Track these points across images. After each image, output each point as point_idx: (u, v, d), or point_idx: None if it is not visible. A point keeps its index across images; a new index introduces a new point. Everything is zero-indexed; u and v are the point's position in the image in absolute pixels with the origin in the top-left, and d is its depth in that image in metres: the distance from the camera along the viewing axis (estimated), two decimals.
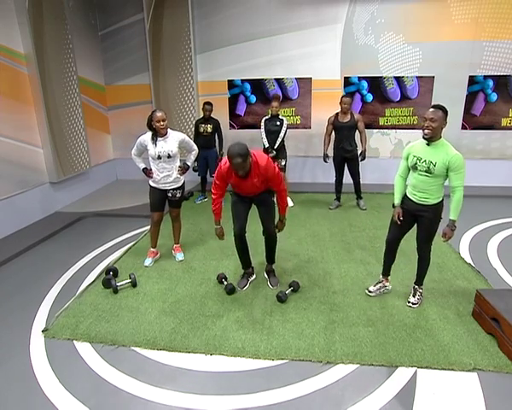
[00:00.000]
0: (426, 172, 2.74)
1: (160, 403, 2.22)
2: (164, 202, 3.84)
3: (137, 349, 2.67)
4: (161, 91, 7.01)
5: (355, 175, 5.50)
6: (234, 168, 2.84)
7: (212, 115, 5.78)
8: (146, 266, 3.86)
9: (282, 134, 5.36)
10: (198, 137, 5.78)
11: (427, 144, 2.73)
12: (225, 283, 3.44)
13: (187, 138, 3.79)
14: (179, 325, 2.91)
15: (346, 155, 5.34)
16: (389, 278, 3.34)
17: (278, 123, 5.36)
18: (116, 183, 7.51)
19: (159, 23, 6.64)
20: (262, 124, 5.46)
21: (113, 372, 2.45)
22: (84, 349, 2.67)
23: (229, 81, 6.89)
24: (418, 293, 3.16)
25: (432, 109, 2.65)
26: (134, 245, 4.43)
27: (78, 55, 6.28)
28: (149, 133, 3.62)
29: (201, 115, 5.91)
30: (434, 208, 2.85)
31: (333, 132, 5.38)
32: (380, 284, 3.31)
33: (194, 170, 5.98)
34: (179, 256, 4.05)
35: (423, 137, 2.72)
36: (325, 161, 5.52)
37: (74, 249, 4.35)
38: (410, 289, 3.22)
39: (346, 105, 5.13)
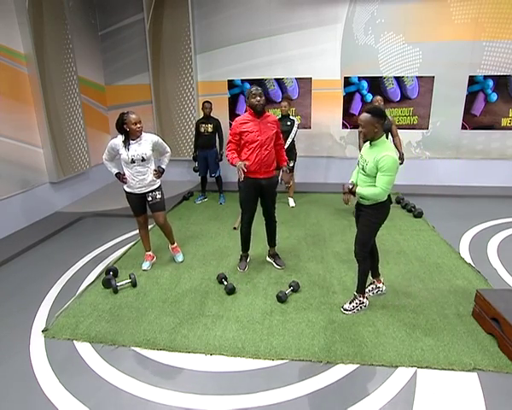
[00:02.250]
0: (362, 169, 2.75)
1: (160, 403, 2.22)
2: (144, 205, 3.69)
3: (137, 349, 2.67)
4: (161, 91, 7.01)
5: None
6: (254, 97, 3.24)
7: (212, 115, 5.78)
8: (144, 270, 3.81)
9: (292, 134, 5.36)
10: (199, 137, 5.77)
11: (370, 144, 2.73)
12: (225, 283, 3.43)
13: (160, 140, 3.64)
14: (179, 325, 2.91)
15: None
16: (381, 279, 3.30)
17: (289, 123, 5.36)
18: (116, 183, 7.46)
19: (159, 23, 6.64)
20: None
21: (113, 372, 2.45)
22: (84, 349, 2.67)
23: (229, 81, 6.89)
24: (356, 301, 3.02)
25: (362, 114, 2.65)
26: (134, 245, 4.43)
27: (78, 55, 6.28)
28: (120, 137, 3.43)
29: (201, 115, 5.91)
30: (368, 210, 2.78)
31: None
32: (372, 286, 3.28)
33: (195, 170, 5.98)
34: (179, 258, 3.97)
35: (363, 141, 2.79)
36: None
37: (74, 249, 4.35)
38: (353, 302, 3.06)
39: (381, 103, 4.84)
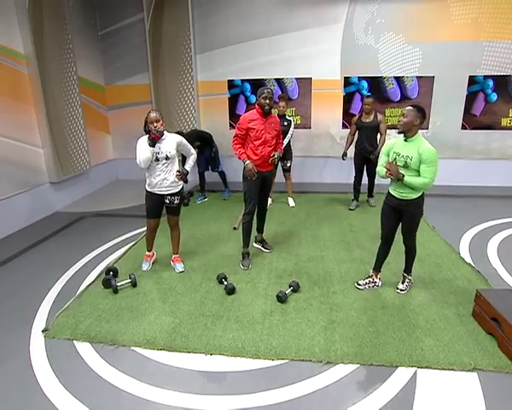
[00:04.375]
0: (404, 166, 2.87)
1: (160, 403, 2.22)
2: (161, 208, 3.67)
3: (137, 349, 2.67)
4: (161, 91, 7.01)
5: (372, 176, 5.51)
6: (264, 99, 3.54)
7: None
8: (144, 271, 3.79)
9: (289, 134, 5.38)
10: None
11: (405, 140, 2.89)
12: (225, 283, 3.44)
13: (184, 141, 3.61)
14: (179, 325, 2.91)
15: (366, 156, 5.31)
16: (379, 274, 3.39)
17: (286, 123, 5.35)
18: (116, 183, 7.51)
19: (159, 23, 6.64)
20: None
21: (113, 372, 2.45)
22: (84, 349, 2.67)
23: (229, 81, 6.89)
24: (407, 280, 3.32)
25: (407, 107, 2.86)
26: (134, 245, 4.43)
27: (78, 55, 6.28)
28: (146, 136, 3.43)
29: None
30: (415, 203, 2.95)
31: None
32: (369, 279, 3.36)
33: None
34: (179, 267, 3.79)
35: (398, 132, 2.92)
36: (343, 159, 5.57)
37: (74, 249, 4.35)
38: (405, 281, 3.33)
39: (367, 106, 5.15)
